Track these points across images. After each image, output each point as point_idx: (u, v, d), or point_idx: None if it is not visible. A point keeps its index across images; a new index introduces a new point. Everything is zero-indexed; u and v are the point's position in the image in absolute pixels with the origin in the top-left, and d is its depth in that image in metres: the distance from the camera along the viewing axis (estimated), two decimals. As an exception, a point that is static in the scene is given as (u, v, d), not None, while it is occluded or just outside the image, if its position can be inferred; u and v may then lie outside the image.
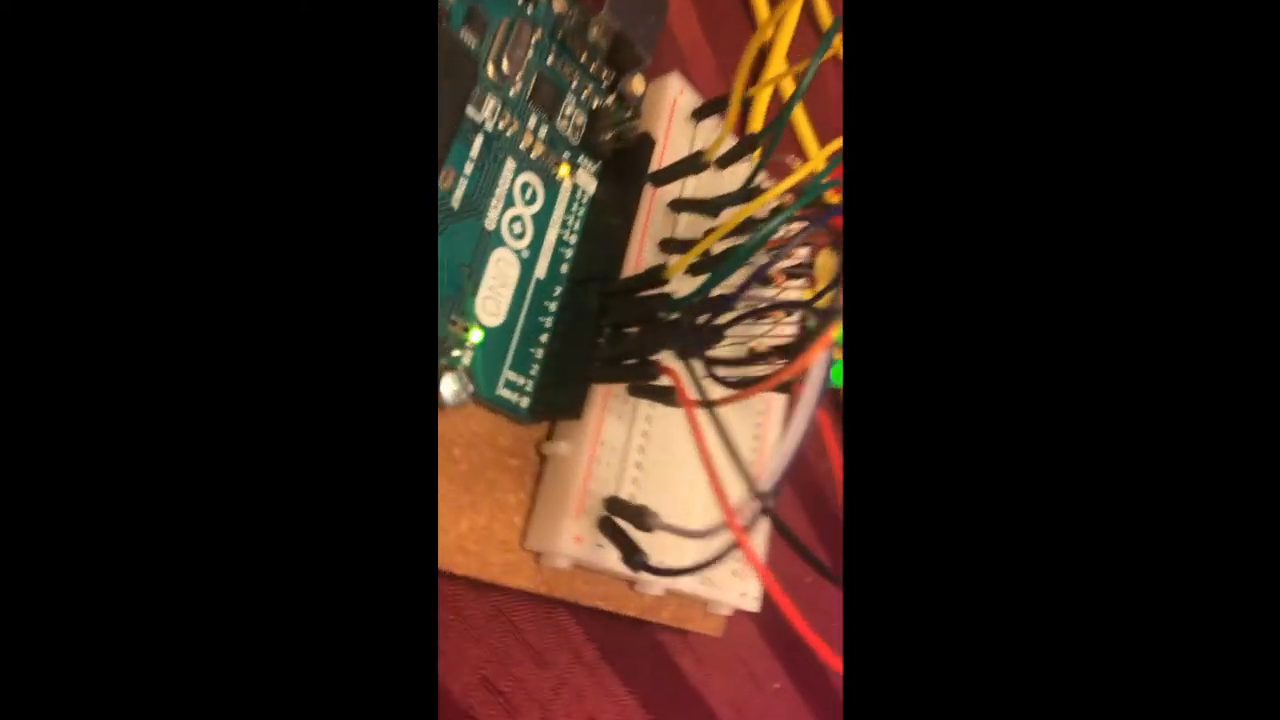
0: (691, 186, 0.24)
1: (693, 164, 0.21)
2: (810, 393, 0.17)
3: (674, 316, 0.19)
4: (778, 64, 0.32)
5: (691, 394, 0.18)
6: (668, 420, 0.23)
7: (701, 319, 0.18)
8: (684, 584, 0.23)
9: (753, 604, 0.26)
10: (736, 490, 0.18)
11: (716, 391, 0.19)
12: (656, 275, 0.20)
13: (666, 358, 0.19)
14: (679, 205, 0.23)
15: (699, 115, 0.25)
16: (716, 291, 0.18)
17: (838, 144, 0.21)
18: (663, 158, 0.23)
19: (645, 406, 0.22)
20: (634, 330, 0.20)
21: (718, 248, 0.22)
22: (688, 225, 0.24)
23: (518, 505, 0.21)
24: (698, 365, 0.18)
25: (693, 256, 0.19)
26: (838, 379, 0.23)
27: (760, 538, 0.26)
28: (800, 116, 0.32)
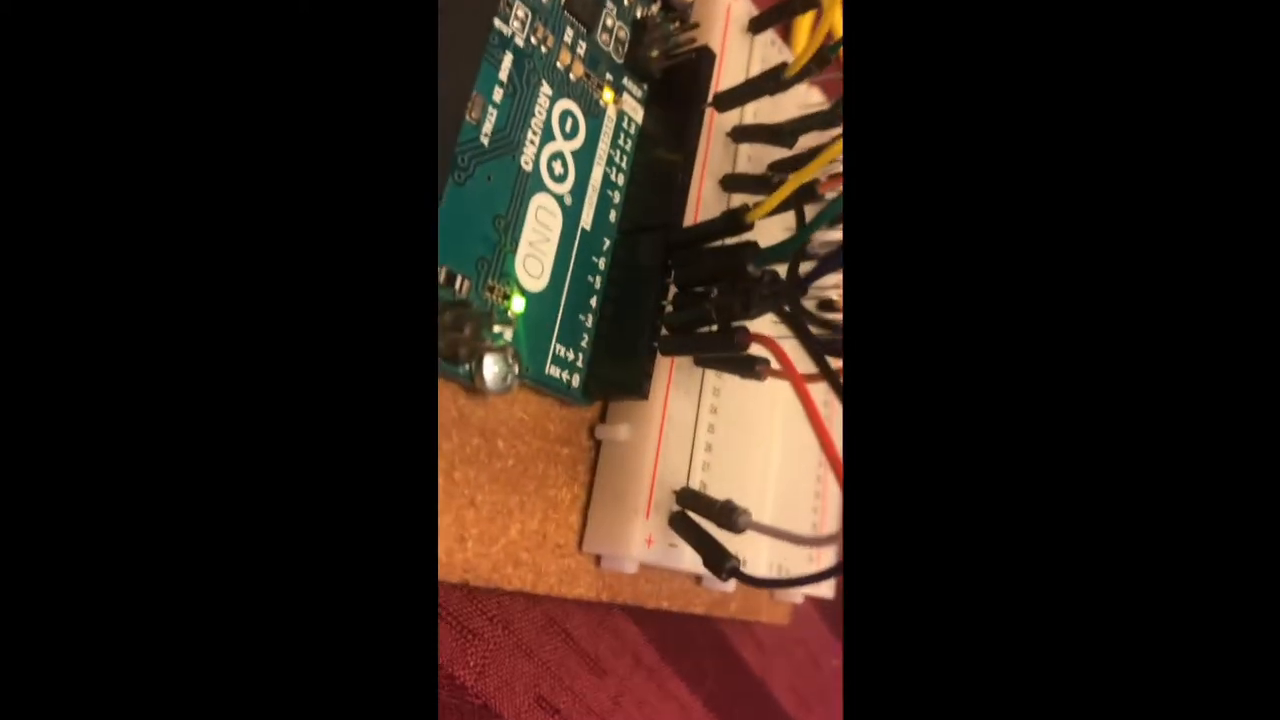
0: (751, 111, 0.21)
1: (771, 82, 0.17)
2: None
3: (765, 272, 0.15)
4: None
5: (797, 365, 0.15)
6: (736, 388, 0.19)
7: (803, 271, 0.15)
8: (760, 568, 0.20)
9: (828, 591, 0.23)
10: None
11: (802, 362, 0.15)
12: (738, 220, 0.16)
13: (758, 322, 0.15)
14: (741, 133, 0.20)
15: (756, 27, 0.21)
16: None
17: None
18: (719, 74, 0.19)
19: (712, 375, 0.19)
20: (710, 289, 0.16)
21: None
22: (749, 157, 0.20)
23: (573, 501, 0.18)
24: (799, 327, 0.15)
25: (781, 196, 0.16)
26: None
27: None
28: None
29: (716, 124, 0.19)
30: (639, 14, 0.19)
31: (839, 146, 0.15)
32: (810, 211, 0.17)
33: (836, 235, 0.20)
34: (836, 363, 0.14)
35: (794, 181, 0.16)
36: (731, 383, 0.19)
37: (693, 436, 0.18)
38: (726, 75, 0.20)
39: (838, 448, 0.14)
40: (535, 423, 0.17)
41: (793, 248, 0.15)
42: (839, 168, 0.16)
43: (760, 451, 0.20)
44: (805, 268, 0.15)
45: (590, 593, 0.18)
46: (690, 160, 0.18)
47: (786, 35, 0.23)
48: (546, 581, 0.17)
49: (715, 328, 0.15)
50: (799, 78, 0.17)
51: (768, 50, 0.21)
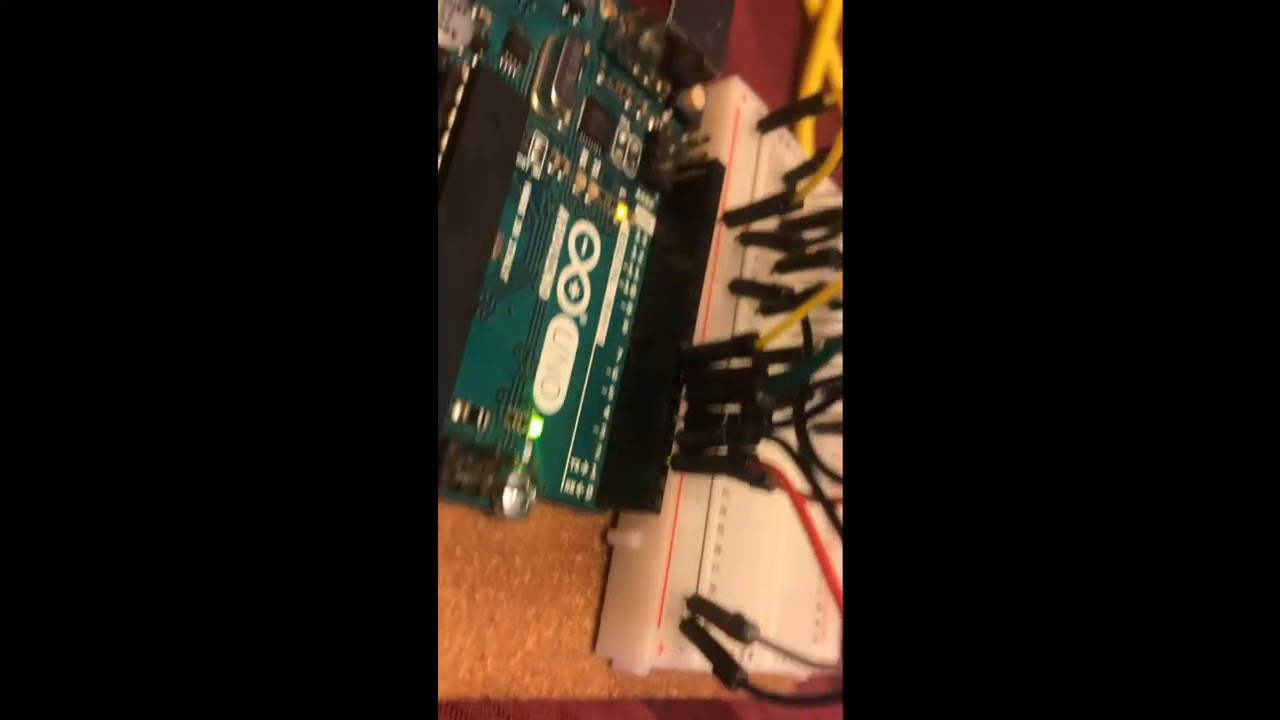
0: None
1: (781, 204, 0.18)
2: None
3: (770, 399, 0.16)
4: (826, 42, 0.28)
5: (801, 487, 0.16)
6: (745, 492, 0.20)
7: (811, 403, 0.15)
8: (765, 662, 0.21)
9: (834, 670, 0.24)
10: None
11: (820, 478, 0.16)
12: (748, 344, 0.17)
13: (765, 448, 0.16)
14: (750, 238, 0.20)
15: (765, 127, 0.21)
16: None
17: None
18: (730, 178, 0.20)
19: (722, 479, 0.19)
20: (721, 410, 0.17)
21: (798, 282, 0.19)
22: (757, 256, 0.21)
23: (586, 606, 0.18)
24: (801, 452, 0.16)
25: (793, 321, 0.16)
26: None
27: (836, 592, 0.24)
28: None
29: (726, 228, 0.20)
30: (651, 125, 0.19)
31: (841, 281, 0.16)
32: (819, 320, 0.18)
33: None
34: (839, 488, 0.15)
35: (800, 311, 0.16)
36: (741, 487, 0.20)
37: (703, 542, 0.19)
38: (736, 174, 0.20)
39: (838, 574, 0.15)
40: (550, 535, 0.17)
41: (800, 378, 0.16)
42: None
43: (768, 551, 0.21)
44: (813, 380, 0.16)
45: (603, 692, 0.18)
46: (701, 272, 0.18)
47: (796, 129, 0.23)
48: (561, 686, 0.18)
49: (725, 450, 0.16)
50: (791, 178, 0.18)
51: (776, 146, 0.22)
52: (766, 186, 0.21)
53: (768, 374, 0.16)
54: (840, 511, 0.14)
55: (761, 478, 0.17)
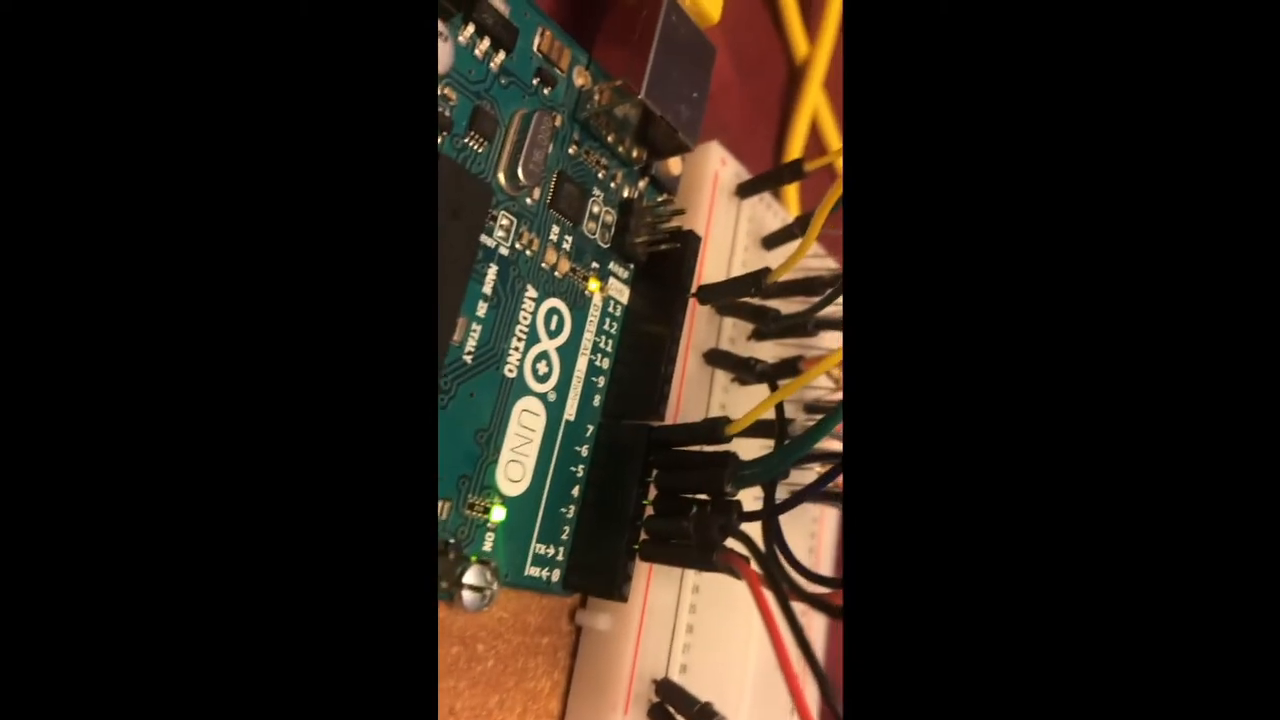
0: (739, 261, 0.21)
1: (754, 284, 0.17)
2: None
3: (738, 495, 0.15)
4: (814, 91, 0.28)
5: (766, 588, 0.15)
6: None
7: (779, 502, 0.15)
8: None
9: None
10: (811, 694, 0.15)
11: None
12: (717, 431, 0.16)
13: (732, 543, 0.15)
14: (725, 309, 0.20)
15: (744, 193, 0.21)
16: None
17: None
18: (706, 245, 0.19)
19: (694, 554, 0.19)
20: (690, 500, 0.16)
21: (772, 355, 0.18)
22: (734, 324, 0.20)
23: (553, 688, 0.18)
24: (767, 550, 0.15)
25: (761, 412, 0.16)
26: None
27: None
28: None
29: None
30: (626, 194, 0.19)
31: (820, 367, 0.16)
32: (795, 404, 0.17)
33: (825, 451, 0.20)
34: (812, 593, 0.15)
35: (774, 398, 0.16)
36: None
37: (673, 624, 0.18)
38: (714, 241, 0.20)
39: (806, 698, 0.15)
40: (515, 620, 0.17)
41: (772, 473, 0.15)
42: (817, 383, 0.17)
43: (742, 634, 0.20)
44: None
45: (570, 776, 0.18)
46: (674, 344, 0.18)
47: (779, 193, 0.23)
48: (525, 773, 0.17)
49: (693, 546, 0.16)
50: (770, 242, 0.17)
51: (757, 209, 0.21)
52: (746, 251, 0.21)
53: (739, 464, 0.15)
54: (800, 623, 0.14)
55: (732, 571, 0.16)
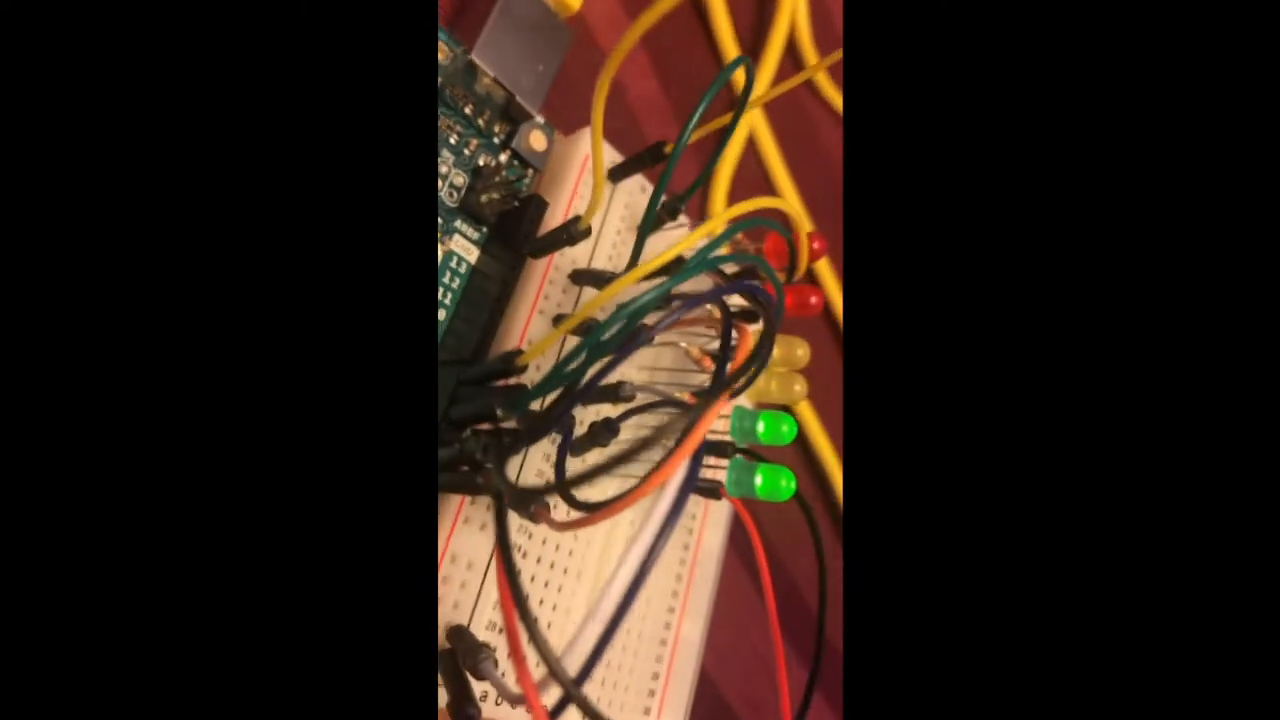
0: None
1: (567, 232, 0.18)
2: (652, 523, 0.14)
3: (513, 420, 0.15)
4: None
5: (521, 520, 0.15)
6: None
7: (549, 421, 0.15)
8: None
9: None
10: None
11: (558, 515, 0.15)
12: (510, 362, 0.16)
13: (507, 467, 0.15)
14: (579, 277, 0.20)
15: (616, 175, 0.21)
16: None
17: (742, 208, 0.17)
18: (559, 216, 0.20)
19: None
20: (474, 427, 0.16)
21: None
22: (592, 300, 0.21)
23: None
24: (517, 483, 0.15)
25: (551, 340, 0.16)
26: (779, 437, 0.19)
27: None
28: (725, 173, 0.28)
29: (561, 266, 0.20)
30: (481, 162, 0.20)
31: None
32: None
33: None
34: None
35: (561, 329, 0.16)
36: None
37: (485, 571, 0.18)
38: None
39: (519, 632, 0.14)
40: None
41: (538, 394, 0.15)
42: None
43: (585, 585, 0.20)
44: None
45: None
46: (503, 303, 0.18)
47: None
48: None
49: (465, 469, 0.16)
50: (586, 232, 0.18)
51: (635, 196, 0.22)
52: (619, 234, 0.22)
53: (518, 391, 0.16)
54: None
55: (526, 501, 0.16)
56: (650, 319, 0.15)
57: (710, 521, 0.23)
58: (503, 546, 0.13)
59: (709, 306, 0.19)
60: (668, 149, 0.20)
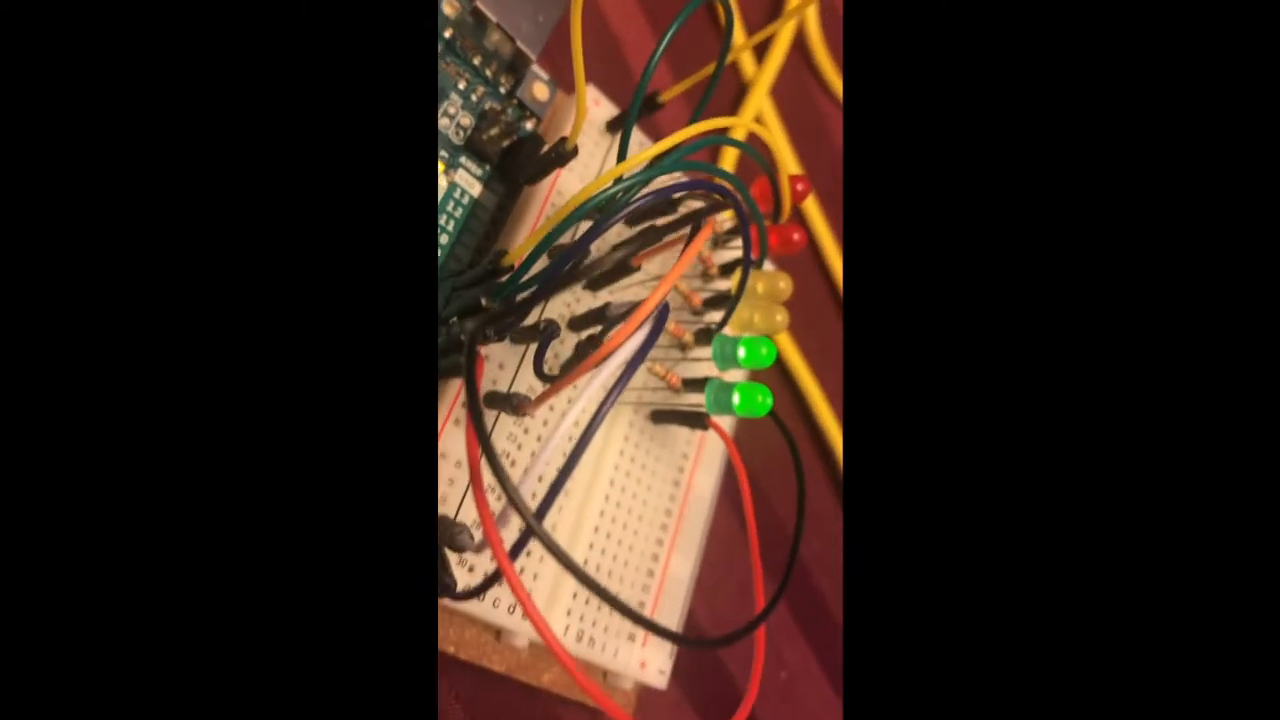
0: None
1: (556, 152, 0.19)
2: (604, 376, 0.15)
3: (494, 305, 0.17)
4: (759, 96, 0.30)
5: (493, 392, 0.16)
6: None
7: (517, 304, 0.16)
8: (567, 645, 0.20)
9: (657, 678, 0.22)
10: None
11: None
12: (497, 262, 0.18)
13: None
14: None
15: (613, 127, 0.23)
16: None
17: (718, 122, 0.18)
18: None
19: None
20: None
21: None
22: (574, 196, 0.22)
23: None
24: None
25: (538, 238, 0.17)
26: (759, 360, 0.20)
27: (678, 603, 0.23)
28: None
29: (561, 195, 0.22)
30: (486, 107, 0.21)
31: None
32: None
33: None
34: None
35: (546, 226, 0.17)
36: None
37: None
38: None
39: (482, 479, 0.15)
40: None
41: (519, 277, 0.16)
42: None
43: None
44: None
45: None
46: (499, 225, 0.20)
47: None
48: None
49: (448, 355, 0.17)
50: (574, 152, 0.19)
51: (632, 148, 0.24)
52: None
53: (498, 281, 0.17)
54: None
55: (510, 400, 0.17)
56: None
57: (702, 465, 0.24)
58: (469, 383, 0.14)
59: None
60: (661, 98, 0.22)
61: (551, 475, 0.14)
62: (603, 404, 0.14)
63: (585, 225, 0.16)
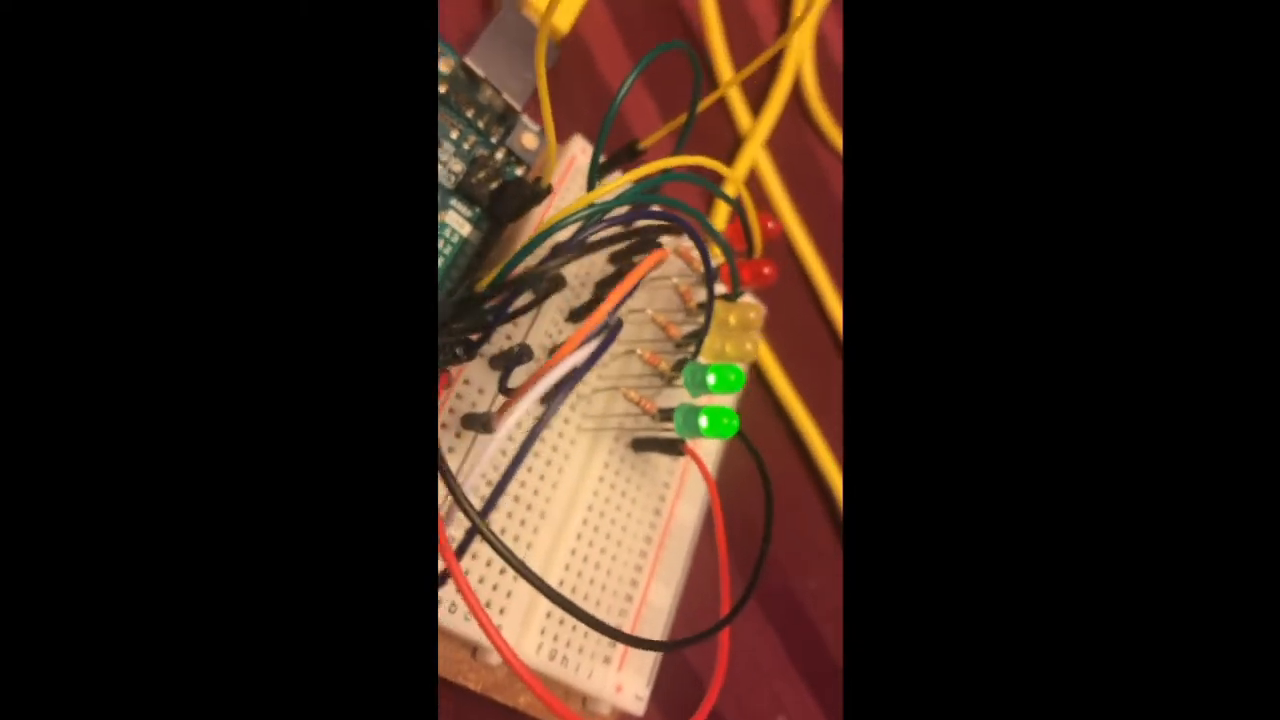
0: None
1: (532, 190, 0.21)
2: (542, 385, 0.16)
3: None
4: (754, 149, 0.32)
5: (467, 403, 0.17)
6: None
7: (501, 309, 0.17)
8: (537, 663, 0.20)
9: (634, 704, 0.22)
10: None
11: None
12: (470, 288, 0.19)
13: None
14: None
15: (601, 172, 0.24)
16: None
17: (681, 160, 0.20)
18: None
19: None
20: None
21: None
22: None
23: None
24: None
25: (504, 262, 0.19)
26: (721, 432, 0.20)
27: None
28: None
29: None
30: (478, 154, 0.23)
31: (559, 214, 0.18)
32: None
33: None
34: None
35: (523, 243, 0.19)
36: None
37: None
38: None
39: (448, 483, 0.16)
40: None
41: (485, 298, 0.18)
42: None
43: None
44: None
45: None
46: (482, 259, 0.21)
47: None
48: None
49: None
50: (549, 189, 0.21)
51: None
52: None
53: (465, 302, 0.18)
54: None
55: (485, 421, 0.19)
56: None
57: (685, 494, 0.24)
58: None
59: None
60: (640, 145, 0.23)
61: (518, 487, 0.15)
62: (545, 413, 0.15)
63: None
